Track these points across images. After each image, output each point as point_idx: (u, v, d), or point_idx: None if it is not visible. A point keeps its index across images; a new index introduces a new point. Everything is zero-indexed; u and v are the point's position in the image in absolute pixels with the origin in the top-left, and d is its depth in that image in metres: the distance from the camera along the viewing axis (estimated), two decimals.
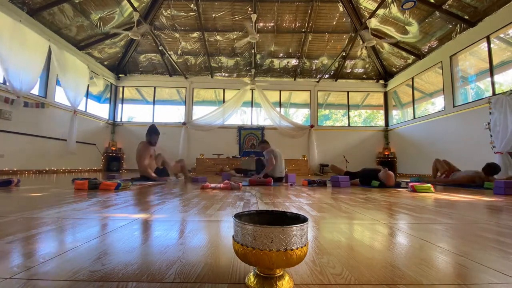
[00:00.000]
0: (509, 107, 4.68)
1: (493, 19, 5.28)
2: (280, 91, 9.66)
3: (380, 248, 0.88)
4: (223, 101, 9.49)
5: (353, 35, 7.82)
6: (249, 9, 7.34)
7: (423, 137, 7.39)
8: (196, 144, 9.12)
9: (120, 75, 9.24)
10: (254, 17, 6.59)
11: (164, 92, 9.86)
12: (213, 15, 7.58)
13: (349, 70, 9.34)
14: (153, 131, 3.94)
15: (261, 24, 7.83)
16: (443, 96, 6.64)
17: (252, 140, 9.24)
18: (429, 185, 2.91)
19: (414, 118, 7.91)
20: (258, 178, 3.75)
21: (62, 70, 6.30)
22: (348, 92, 9.60)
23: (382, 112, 9.76)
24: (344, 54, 8.56)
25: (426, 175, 7.10)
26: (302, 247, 0.53)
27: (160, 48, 8.21)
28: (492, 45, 5.40)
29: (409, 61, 7.92)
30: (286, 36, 8.23)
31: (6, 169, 5.14)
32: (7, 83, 5.00)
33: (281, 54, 8.84)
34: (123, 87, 9.45)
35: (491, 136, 5.00)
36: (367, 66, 9.13)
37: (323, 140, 9.22)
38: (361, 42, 7.13)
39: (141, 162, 3.70)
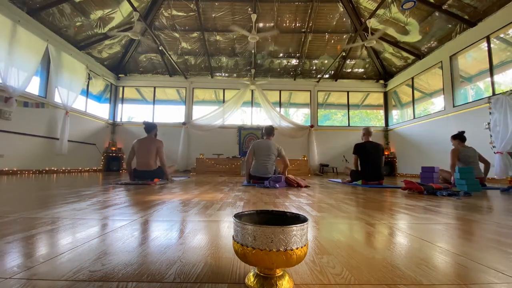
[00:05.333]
0: (509, 107, 4.67)
1: (493, 19, 5.28)
2: (280, 91, 9.65)
3: (380, 248, 0.88)
4: (223, 101, 9.48)
5: (353, 35, 7.82)
6: (249, 9, 7.34)
7: (423, 137, 7.39)
8: (196, 144, 9.11)
9: (120, 75, 9.23)
10: (254, 17, 6.59)
11: (164, 92, 9.86)
12: (213, 15, 7.58)
13: (349, 70, 9.33)
14: (154, 126, 4.09)
15: (261, 24, 7.83)
16: (443, 96, 6.64)
17: (252, 140, 9.23)
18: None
19: (414, 118, 7.90)
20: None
21: (58, 70, 6.27)
22: (348, 92, 9.60)
23: (382, 112, 9.76)
24: (344, 54, 8.56)
25: None
26: (302, 247, 0.53)
27: (160, 48, 8.21)
28: (492, 45, 5.40)
29: (409, 61, 7.92)
30: (286, 36, 8.22)
31: (6, 169, 5.14)
32: (1, 82, 4.95)
33: (281, 54, 8.84)
34: (123, 87, 9.44)
35: (491, 136, 5.00)
36: (367, 66, 9.13)
37: (323, 140, 9.22)
38: (360, 42, 7.12)
39: (163, 159, 3.92)
